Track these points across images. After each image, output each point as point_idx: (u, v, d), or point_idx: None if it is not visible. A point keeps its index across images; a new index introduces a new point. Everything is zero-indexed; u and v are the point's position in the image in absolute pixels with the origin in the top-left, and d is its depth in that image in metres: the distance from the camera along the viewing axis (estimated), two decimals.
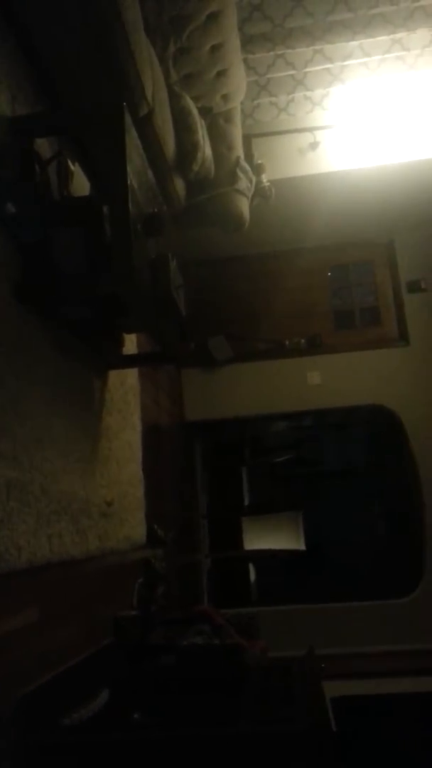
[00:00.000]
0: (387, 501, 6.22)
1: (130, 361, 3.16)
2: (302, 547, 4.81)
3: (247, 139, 3.69)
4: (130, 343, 3.25)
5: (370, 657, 4.24)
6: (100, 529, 2.55)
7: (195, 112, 2.99)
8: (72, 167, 2.38)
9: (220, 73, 3.16)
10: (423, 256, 5.01)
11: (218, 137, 3.35)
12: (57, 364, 2.24)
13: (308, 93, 3.87)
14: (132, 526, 3.04)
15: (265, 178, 3.70)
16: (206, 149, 3.13)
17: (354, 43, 3.60)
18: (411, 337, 4.94)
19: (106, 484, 2.70)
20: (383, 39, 3.59)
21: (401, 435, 4.82)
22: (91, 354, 2.63)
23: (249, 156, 3.67)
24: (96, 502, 2.54)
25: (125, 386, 3.18)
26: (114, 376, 2.97)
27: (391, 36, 3.56)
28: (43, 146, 2.22)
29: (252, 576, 5.72)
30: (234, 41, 3.08)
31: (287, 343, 5.08)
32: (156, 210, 2.26)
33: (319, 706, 2.14)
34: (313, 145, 4.11)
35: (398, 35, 3.57)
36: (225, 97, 3.31)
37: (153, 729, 1.78)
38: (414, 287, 5.00)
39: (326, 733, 1.99)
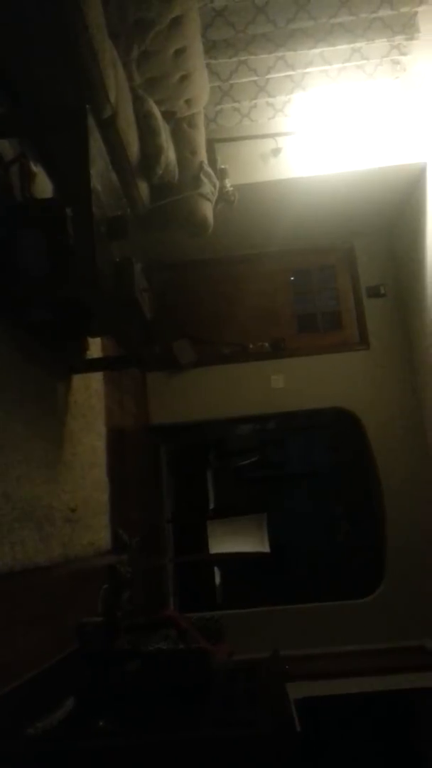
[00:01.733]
0: (349, 502, 6.31)
1: (94, 365, 3.13)
2: (267, 549, 4.84)
3: (211, 144, 3.71)
4: (95, 347, 3.22)
5: (335, 657, 4.29)
6: (64, 536, 2.52)
7: (159, 115, 2.99)
8: (34, 169, 2.35)
9: (184, 78, 3.17)
10: (382, 261, 5.11)
11: (182, 141, 3.36)
12: (18, 368, 2.21)
13: (270, 99, 3.91)
14: (96, 531, 3.01)
15: (228, 182, 3.72)
16: (170, 153, 3.13)
17: (315, 51, 3.66)
18: (371, 341, 5.03)
19: (69, 490, 2.67)
20: (343, 48, 3.66)
21: (362, 437, 4.90)
22: (55, 358, 2.59)
23: (212, 161, 3.68)
24: (60, 508, 2.51)
25: (89, 390, 3.15)
26: (78, 380, 2.94)
27: (351, 45, 3.64)
28: (5, 148, 2.19)
29: (217, 579, 5.72)
30: (197, 46, 3.10)
31: (251, 346, 5.11)
32: (120, 213, 2.26)
33: (283, 708, 2.15)
34: (275, 151, 4.15)
35: (358, 44, 3.64)
36: (188, 102, 3.32)
37: (118, 736, 1.76)
38: (373, 292, 5.10)
39: (290, 734, 2.00)
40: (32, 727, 1.70)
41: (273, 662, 2.68)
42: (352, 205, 4.60)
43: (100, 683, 2.22)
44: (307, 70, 3.75)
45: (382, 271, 5.10)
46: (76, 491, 2.75)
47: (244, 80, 3.77)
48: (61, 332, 2.51)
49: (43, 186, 2.47)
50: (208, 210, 3.49)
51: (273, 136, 4.14)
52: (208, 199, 3.49)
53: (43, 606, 2.30)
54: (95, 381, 3.29)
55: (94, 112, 2.20)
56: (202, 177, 3.40)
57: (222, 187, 3.66)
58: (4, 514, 1.95)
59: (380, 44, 3.66)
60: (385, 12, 3.44)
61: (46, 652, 2.22)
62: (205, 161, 3.49)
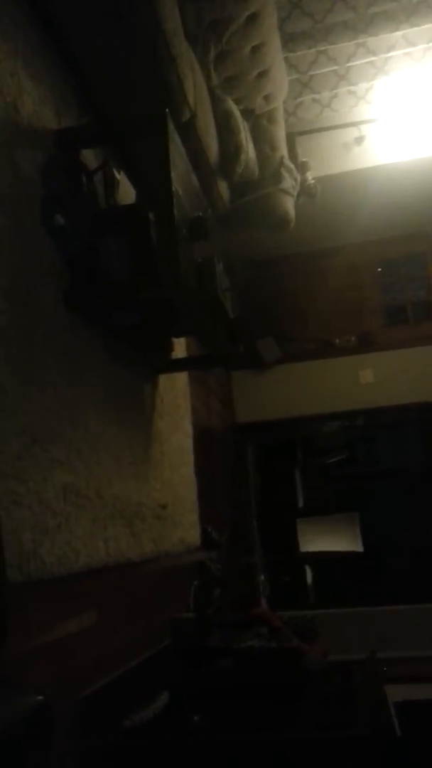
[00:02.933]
0: None
1: (179, 365, 3.18)
2: (360, 548, 4.74)
3: (291, 138, 3.67)
4: (180, 347, 3.27)
5: None
6: (154, 532, 2.57)
7: (237, 114, 2.99)
8: (118, 176, 2.42)
9: (262, 74, 3.15)
10: None
11: (261, 138, 3.34)
12: (108, 370, 2.28)
13: (352, 88, 3.81)
14: (186, 528, 3.06)
15: (310, 176, 3.66)
16: (249, 151, 3.12)
17: (398, 34, 3.52)
18: None
19: (159, 488, 2.73)
20: (428, 27, 3.50)
21: None
22: (141, 359, 2.66)
23: (293, 155, 3.64)
24: (150, 505, 2.57)
25: (175, 390, 3.21)
26: (164, 380, 3.00)
27: None
28: (89, 157, 2.27)
29: (309, 578, 5.66)
30: (274, 41, 3.07)
31: (337, 341, 5.01)
32: (201, 214, 2.27)
33: (380, 711, 2.10)
34: (359, 140, 4.05)
35: None
36: (267, 98, 3.30)
37: (213, 732, 1.78)
38: None
39: (389, 737, 1.94)
40: (129, 720, 1.75)
41: (370, 663, 2.63)
42: None
43: (193, 679, 2.26)
44: (390, 54, 3.62)
45: None
46: (165, 489, 2.81)
47: (323, 70, 3.70)
48: (147, 334, 2.57)
49: (127, 192, 2.54)
50: (289, 205, 3.46)
51: (356, 124, 4.04)
52: (290, 194, 3.45)
53: (136, 601, 2.36)
54: (181, 381, 3.34)
55: (174, 116, 2.22)
56: (283, 172, 3.37)
57: (303, 180, 3.61)
58: (97, 511, 2.02)
59: None
60: None
61: (139, 647, 2.28)
62: (286, 156, 3.45)
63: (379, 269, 5.23)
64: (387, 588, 5.32)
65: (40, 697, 1.45)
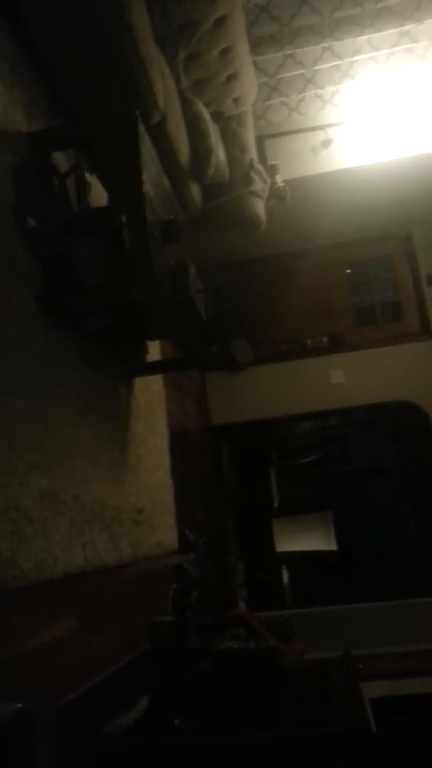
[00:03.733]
0: (416, 497, 6.15)
1: (154, 368, 3.17)
2: (333, 546, 4.78)
3: (260, 141, 3.69)
4: (154, 350, 3.26)
5: (409, 656, 4.19)
6: (132, 536, 2.56)
7: (207, 117, 3.00)
8: (89, 179, 2.40)
9: (231, 77, 3.17)
10: None
11: (231, 140, 3.36)
12: (82, 373, 2.26)
13: (319, 91, 3.86)
14: (163, 532, 3.05)
15: (279, 178, 3.69)
16: (220, 153, 3.14)
17: (362, 38, 3.58)
18: None
19: (135, 491, 2.71)
20: (391, 32, 3.57)
21: (428, 430, 4.77)
22: (116, 362, 2.64)
23: (262, 157, 3.67)
24: (127, 509, 2.56)
25: (150, 393, 3.20)
26: (139, 383, 2.99)
27: (399, 29, 3.54)
28: (60, 159, 2.25)
29: (285, 578, 5.69)
30: (242, 44, 3.09)
31: (309, 342, 5.06)
32: (173, 216, 2.28)
33: (357, 708, 2.12)
34: (326, 143, 4.10)
35: (406, 27, 3.54)
36: (236, 101, 3.32)
37: (194, 735, 1.78)
38: None
39: (365, 734, 1.97)
40: (110, 725, 1.74)
41: (346, 661, 2.65)
42: (408, 193, 4.48)
43: (173, 682, 2.25)
44: (355, 58, 3.68)
45: None
46: (141, 492, 2.79)
47: (291, 74, 3.74)
48: (121, 337, 2.56)
49: (99, 195, 2.52)
50: (259, 207, 3.48)
51: (323, 127, 4.08)
52: (260, 197, 3.48)
53: (115, 605, 2.34)
54: (155, 383, 3.34)
55: (144, 118, 2.22)
56: (253, 175, 3.39)
57: (273, 183, 3.64)
58: (75, 516, 2.00)
59: (429, 24, 3.54)
60: None
61: (119, 651, 2.27)
62: (255, 158, 3.48)
63: (348, 271, 5.29)
64: (361, 586, 5.39)
65: (20, 705, 1.43)
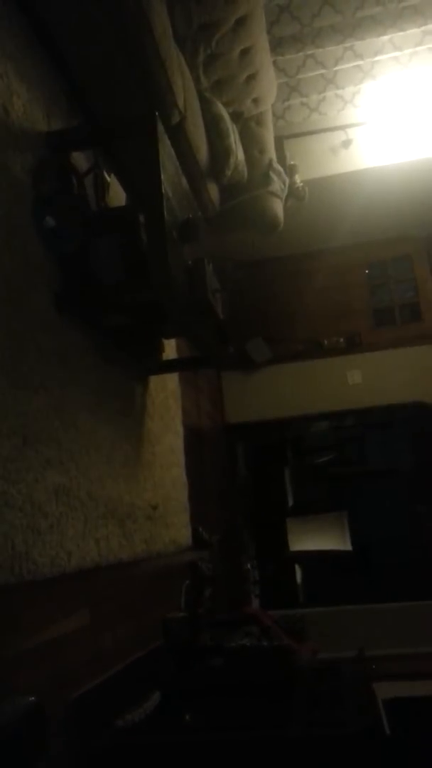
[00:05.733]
0: None
1: (170, 366, 3.19)
2: (348, 547, 4.77)
3: (279, 141, 3.69)
4: (170, 349, 3.28)
5: (423, 657, 4.16)
6: (146, 533, 2.58)
7: (226, 117, 3.01)
8: (108, 178, 2.42)
9: (250, 77, 3.17)
10: None
11: (250, 140, 3.36)
12: (99, 371, 2.28)
13: (339, 91, 3.85)
14: (177, 529, 3.07)
15: (298, 178, 3.69)
16: (239, 153, 3.14)
17: (384, 38, 3.56)
18: None
19: (150, 488, 2.73)
20: (414, 32, 3.54)
21: None
22: (132, 360, 2.66)
23: (281, 158, 3.66)
24: (141, 506, 2.58)
25: (166, 391, 3.22)
26: (155, 381, 3.01)
27: (422, 28, 3.52)
28: (80, 159, 2.27)
29: (299, 577, 5.69)
30: (263, 44, 3.09)
31: (326, 342, 5.04)
32: (191, 216, 2.29)
33: (370, 709, 2.12)
34: (346, 143, 4.09)
35: (430, 26, 3.51)
36: (256, 101, 3.32)
37: (205, 731, 1.79)
38: None
39: (378, 735, 1.96)
40: (121, 720, 1.76)
41: (359, 661, 2.65)
42: (428, 193, 4.44)
43: (185, 678, 2.27)
44: (377, 58, 3.66)
45: None
46: (156, 489, 2.81)
47: (311, 74, 3.73)
48: (137, 335, 2.58)
49: (117, 194, 2.54)
50: (278, 207, 3.48)
51: (343, 128, 4.07)
52: (278, 197, 3.48)
53: (128, 601, 2.36)
54: (171, 382, 3.35)
55: (163, 118, 2.24)
56: (271, 175, 3.39)
57: (292, 183, 3.63)
58: (89, 512, 2.03)
59: None
60: None
61: (131, 646, 2.29)
62: (274, 159, 3.48)
63: (367, 271, 5.26)
64: (375, 586, 5.36)
65: (33, 698, 1.46)
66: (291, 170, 3.64)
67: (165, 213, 1.95)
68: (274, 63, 3.42)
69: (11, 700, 1.43)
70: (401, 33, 3.53)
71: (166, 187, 2.01)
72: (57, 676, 1.72)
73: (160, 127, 2.06)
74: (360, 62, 3.68)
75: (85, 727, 1.74)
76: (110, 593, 2.20)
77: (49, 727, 1.52)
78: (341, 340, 5.02)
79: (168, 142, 2.16)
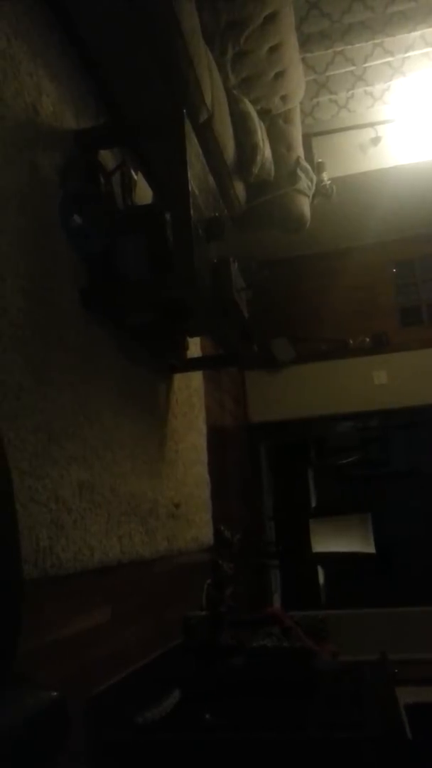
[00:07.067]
0: None
1: (193, 364, 3.19)
2: (372, 549, 4.72)
3: (307, 139, 3.67)
4: (194, 347, 3.28)
5: None
6: (168, 530, 2.59)
7: (254, 114, 3.00)
8: (135, 176, 2.43)
9: (279, 74, 3.15)
10: None
11: (278, 138, 3.35)
12: (123, 368, 2.29)
13: (368, 88, 3.80)
14: (199, 527, 3.07)
15: (326, 176, 3.66)
16: (266, 151, 3.13)
17: (415, 34, 3.51)
18: None
19: (173, 486, 2.74)
20: None
21: None
22: (156, 358, 2.67)
23: (309, 155, 3.64)
24: (163, 503, 2.58)
25: (190, 389, 3.22)
26: (178, 379, 3.01)
27: None
28: (107, 158, 2.28)
29: (321, 578, 5.65)
30: (292, 41, 3.07)
31: (351, 342, 5.00)
32: (217, 214, 2.28)
33: (392, 713, 2.09)
34: (375, 141, 4.04)
35: None
36: (284, 98, 3.30)
37: (225, 730, 1.79)
38: None
39: (400, 740, 1.94)
40: (140, 717, 1.76)
41: (381, 665, 2.62)
42: None
43: (205, 676, 2.27)
44: (407, 54, 3.61)
45: None
46: (179, 487, 2.82)
47: (340, 71, 3.69)
48: (162, 333, 2.58)
49: (144, 192, 2.55)
50: (305, 205, 3.46)
51: (372, 125, 4.03)
52: (305, 195, 3.45)
53: (149, 598, 2.37)
54: (195, 380, 3.36)
55: (191, 116, 2.23)
56: (299, 172, 3.37)
57: (319, 181, 3.60)
58: (112, 508, 2.04)
59: None
60: None
61: (152, 644, 2.29)
62: (302, 156, 3.45)
63: (394, 270, 5.20)
64: (399, 589, 5.30)
65: (55, 693, 1.47)
66: (318, 168, 3.61)
67: (191, 211, 1.95)
68: (303, 60, 3.40)
69: (34, 693, 1.44)
70: None
71: (193, 185, 2.00)
72: (77, 672, 1.73)
73: (188, 125, 2.06)
74: (390, 59, 3.63)
75: (104, 723, 1.75)
76: (131, 590, 2.21)
77: (71, 722, 1.53)
78: (367, 339, 4.97)
79: (195, 140, 2.16)
